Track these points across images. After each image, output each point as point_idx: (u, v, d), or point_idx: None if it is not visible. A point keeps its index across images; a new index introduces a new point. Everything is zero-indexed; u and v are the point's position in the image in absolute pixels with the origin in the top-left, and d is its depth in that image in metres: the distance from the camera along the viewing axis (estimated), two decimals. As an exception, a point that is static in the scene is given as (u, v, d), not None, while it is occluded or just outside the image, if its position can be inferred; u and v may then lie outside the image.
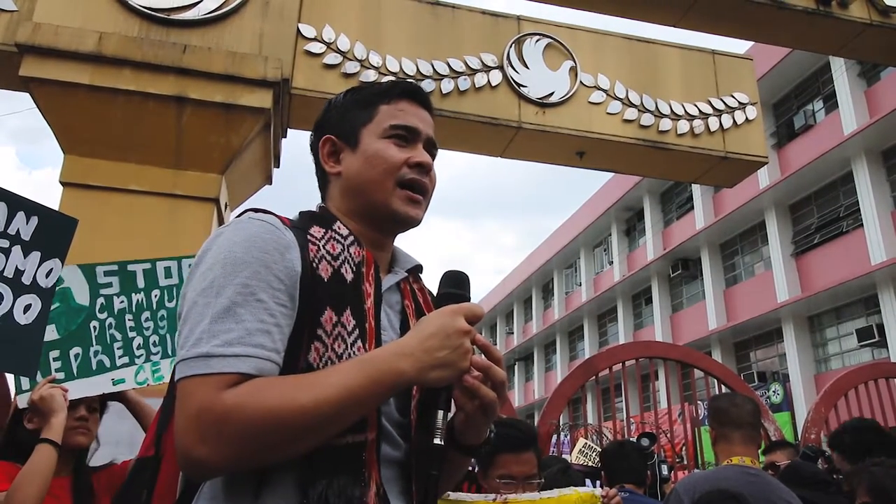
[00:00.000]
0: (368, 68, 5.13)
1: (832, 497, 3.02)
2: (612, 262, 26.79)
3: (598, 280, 28.30)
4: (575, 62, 5.73)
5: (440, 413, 1.00)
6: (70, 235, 2.25)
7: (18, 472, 1.98)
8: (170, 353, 2.56)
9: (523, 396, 34.30)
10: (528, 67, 5.59)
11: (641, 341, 11.71)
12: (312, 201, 1.27)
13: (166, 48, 4.51)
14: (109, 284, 2.50)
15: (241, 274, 0.97)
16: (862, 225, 15.73)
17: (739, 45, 24.29)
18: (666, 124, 5.80)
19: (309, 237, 1.08)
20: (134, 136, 4.44)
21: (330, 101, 1.27)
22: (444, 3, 5.62)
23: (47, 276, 2.17)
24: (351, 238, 1.13)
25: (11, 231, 2.09)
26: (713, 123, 5.93)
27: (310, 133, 1.29)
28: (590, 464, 5.90)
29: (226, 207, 4.91)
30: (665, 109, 5.84)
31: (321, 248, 1.07)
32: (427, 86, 5.19)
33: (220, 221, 4.74)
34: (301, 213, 1.18)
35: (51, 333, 2.32)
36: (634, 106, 5.77)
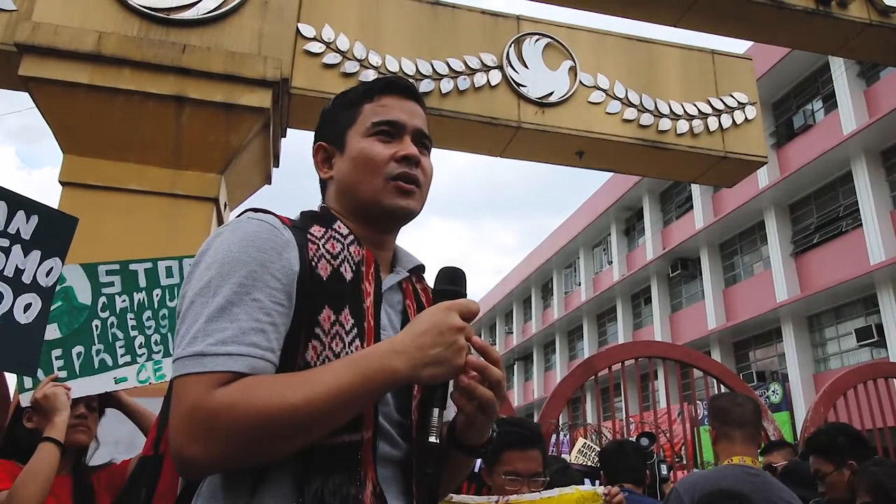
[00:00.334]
0: (368, 68, 5.13)
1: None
2: (612, 261, 26.79)
3: (597, 280, 28.30)
4: (574, 62, 5.73)
5: (436, 411, 1.00)
6: (70, 234, 2.25)
7: (20, 470, 1.98)
8: (171, 351, 2.57)
9: (522, 396, 34.30)
10: (527, 67, 5.60)
11: (641, 341, 11.70)
12: (312, 200, 1.28)
13: (166, 48, 4.51)
14: (111, 284, 2.52)
15: (238, 273, 0.97)
16: (861, 225, 15.74)
17: (739, 45, 24.33)
18: (665, 124, 5.80)
19: (309, 236, 1.08)
20: (133, 136, 4.44)
21: (323, 109, 1.29)
22: (443, 2, 5.62)
23: (47, 275, 2.17)
24: (351, 237, 1.13)
25: (11, 230, 2.09)
26: (712, 123, 5.93)
27: (312, 133, 1.30)
28: (589, 463, 5.91)
29: (225, 207, 4.91)
30: (664, 109, 5.84)
31: (321, 247, 1.08)
32: (426, 85, 5.19)
33: (220, 221, 4.74)
34: (302, 213, 1.18)
35: (53, 332, 2.33)
36: (634, 106, 5.77)
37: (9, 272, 2.08)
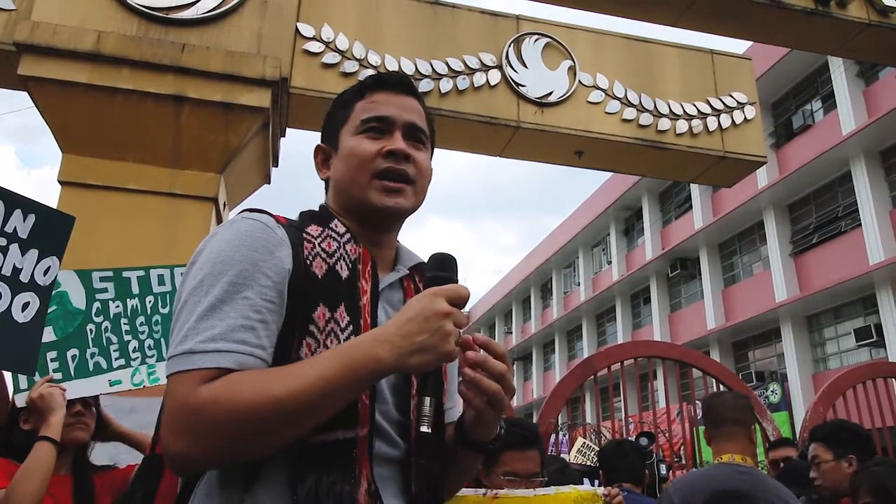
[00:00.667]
0: (367, 67, 5.12)
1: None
2: (611, 261, 26.79)
3: (596, 280, 28.30)
4: (574, 62, 5.73)
5: (427, 400, 0.99)
6: (67, 233, 2.25)
7: (17, 469, 1.98)
8: (164, 356, 2.59)
9: (522, 396, 34.30)
10: (526, 67, 5.60)
11: (640, 341, 11.70)
12: (312, 200, 1.28)
13: (165, 47, 4.50)
14: (105, 290, 2.57)
15: (230, 272, 0.98)
16: (860, 225, 15.75)
17: (738, 45, 24.30)
18: (664, 124, 5.81)
19: (305, 235, 1.08)
20: (132, 136, 4.44)
21: (326, 111, 1.29)
22: (442, 2, 5.62)
23: (45, 273, 2.17)
24: (348, 235, 1.13)
25: (9, 229, 2.09)
26: (712, 123, 5.93)
27: (311, 133, 1.30)
28: (588, 463, 5.91)
29: (224, 206, 4.91)
30: (664, 109, 5.84)
31: (316, 245, 1.08)
32: (426, 85, 5.19)
33: (219, 221, 4.74)
34: (301, 213, 1.19)
35: (48, 335, 2.35)
36: (633, 105, 5.77)
37: (6, 271, 2.08)
